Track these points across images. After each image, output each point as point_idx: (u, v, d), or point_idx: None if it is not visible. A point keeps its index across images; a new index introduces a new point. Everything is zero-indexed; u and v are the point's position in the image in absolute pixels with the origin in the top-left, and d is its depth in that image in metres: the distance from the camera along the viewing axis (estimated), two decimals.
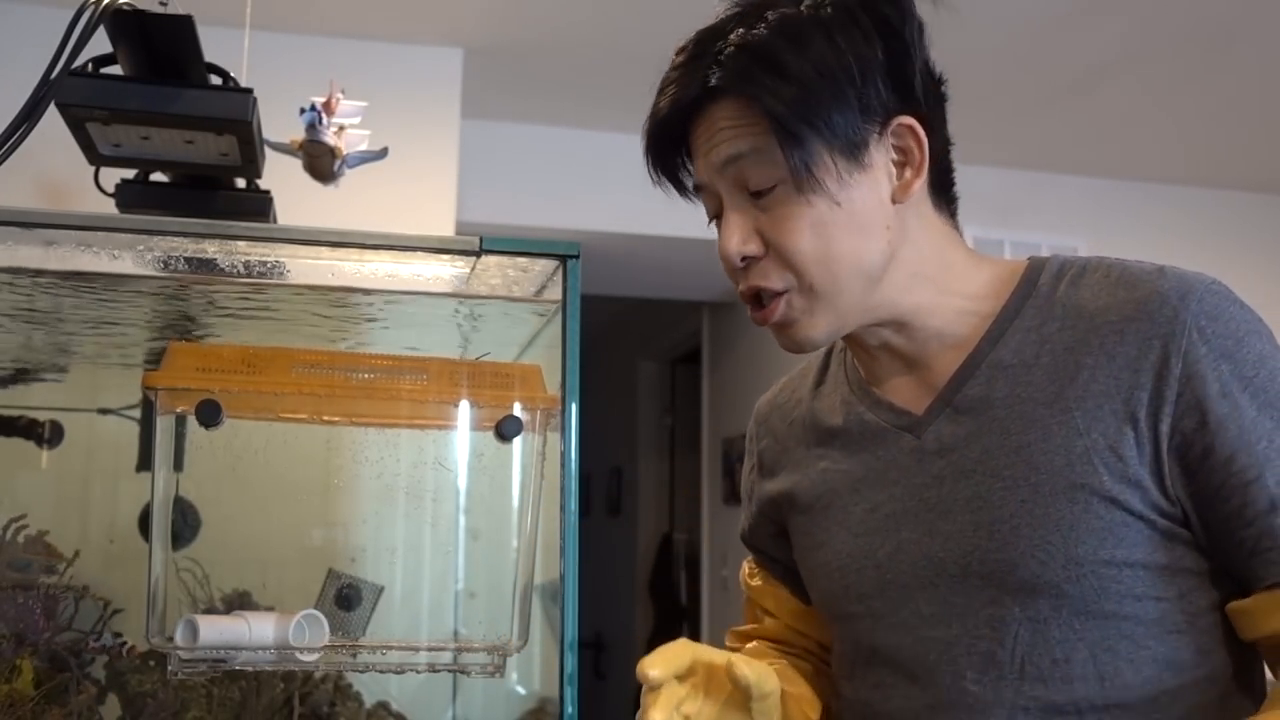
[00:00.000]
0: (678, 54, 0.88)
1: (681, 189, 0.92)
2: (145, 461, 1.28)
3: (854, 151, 0.82)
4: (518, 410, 1.05)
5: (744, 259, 0.85)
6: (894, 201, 0.84)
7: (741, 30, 0.82)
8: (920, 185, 0.85)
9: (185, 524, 1.21)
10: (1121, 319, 0.81)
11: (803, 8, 0.83)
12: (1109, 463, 0.78)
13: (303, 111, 1.11)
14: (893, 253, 0.85)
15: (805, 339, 0.87)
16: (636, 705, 0.81)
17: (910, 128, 0.84)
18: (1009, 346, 0.85)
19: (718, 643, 0.96)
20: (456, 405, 1.08)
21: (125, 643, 1.20)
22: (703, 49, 0.85)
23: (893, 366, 0.91)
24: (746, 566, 1.11)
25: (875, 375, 0.93)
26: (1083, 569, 0.77)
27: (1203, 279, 0.81)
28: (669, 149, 0.89)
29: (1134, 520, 0.78)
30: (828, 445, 0.95)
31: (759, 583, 1.08)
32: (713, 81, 0.83)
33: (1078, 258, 0.88)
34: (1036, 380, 0.82)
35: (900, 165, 0.85)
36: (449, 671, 1.29)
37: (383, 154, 1.18)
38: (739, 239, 0.84)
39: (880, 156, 0.84)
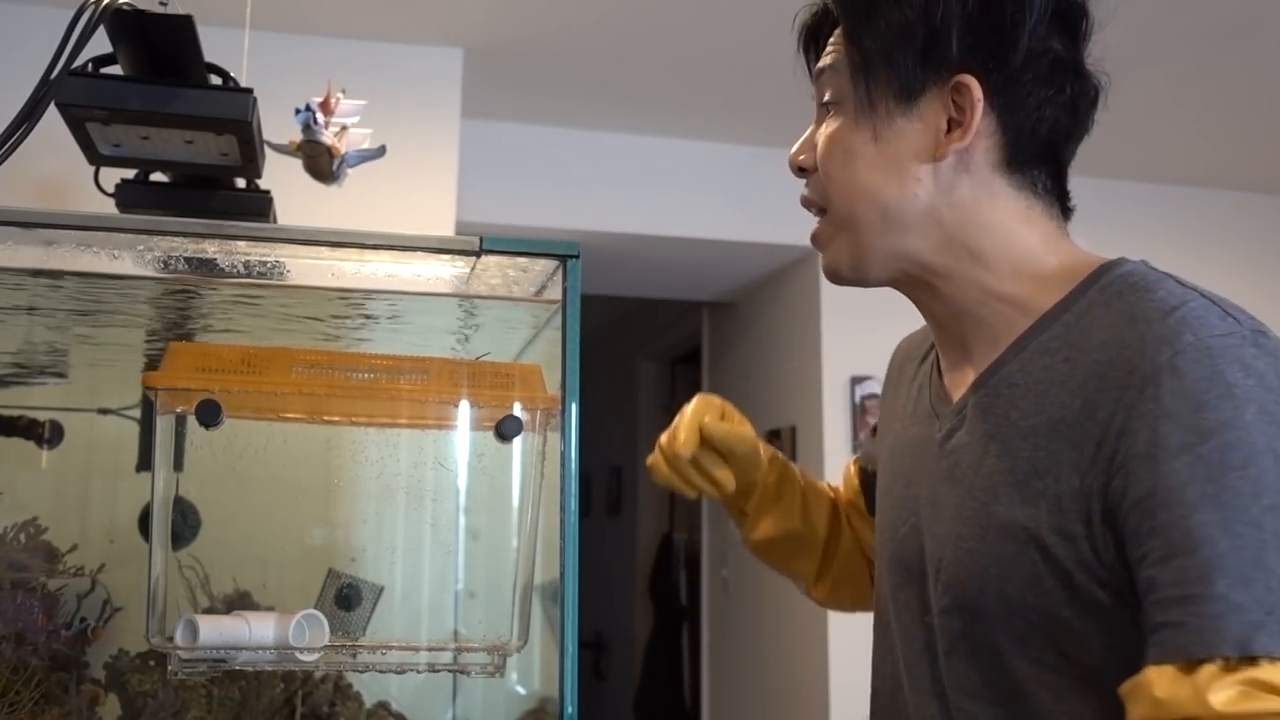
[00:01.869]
0: None
1: None
2: (145, 461, 1.27)
3: (906, 95, 0.82)
4: (518, 410, 1.05)
5: (799, 168, 0.90)
6: (935, 158, 0.82)
7: None
8: (977, 150, 0.83)
9: (185, 524, 1.21)
10: (1105, 361, 0.74)
11: None
12: (1053, 510, 0.74)
13: (298, 112, 1.11)
14: (923, 206, 0.83)
15: (829, 264, 0.89)
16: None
17: (968, 87, 0.81)
18: (1019, 364, 0.81)
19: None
20: (456, 405, 1.08)
21: (88, 624, 1.21)
22: None
23: (949, 352, 0.90)
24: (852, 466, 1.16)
25: (944, 357, 0.92)
26: (1011, 607, 0.76)
27: (1206, 328, 0.71)
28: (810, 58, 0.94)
29: (1061, 574, 0.73)
30: (909, 412, 0.96)
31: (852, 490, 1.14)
32: (830, 4, 0.89)
33: (1136, 272, 0.79)
34: (1024, 407, 0.79)
35: (954, 123, 0.82)
36: (449, 671, 1.29)
37: (381, 152, 1.18)
38: (801, 147, 0.90)
39: (936, 109, 0.82)
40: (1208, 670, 0.62)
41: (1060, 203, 0.86)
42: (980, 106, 0.81)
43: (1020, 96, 0.82)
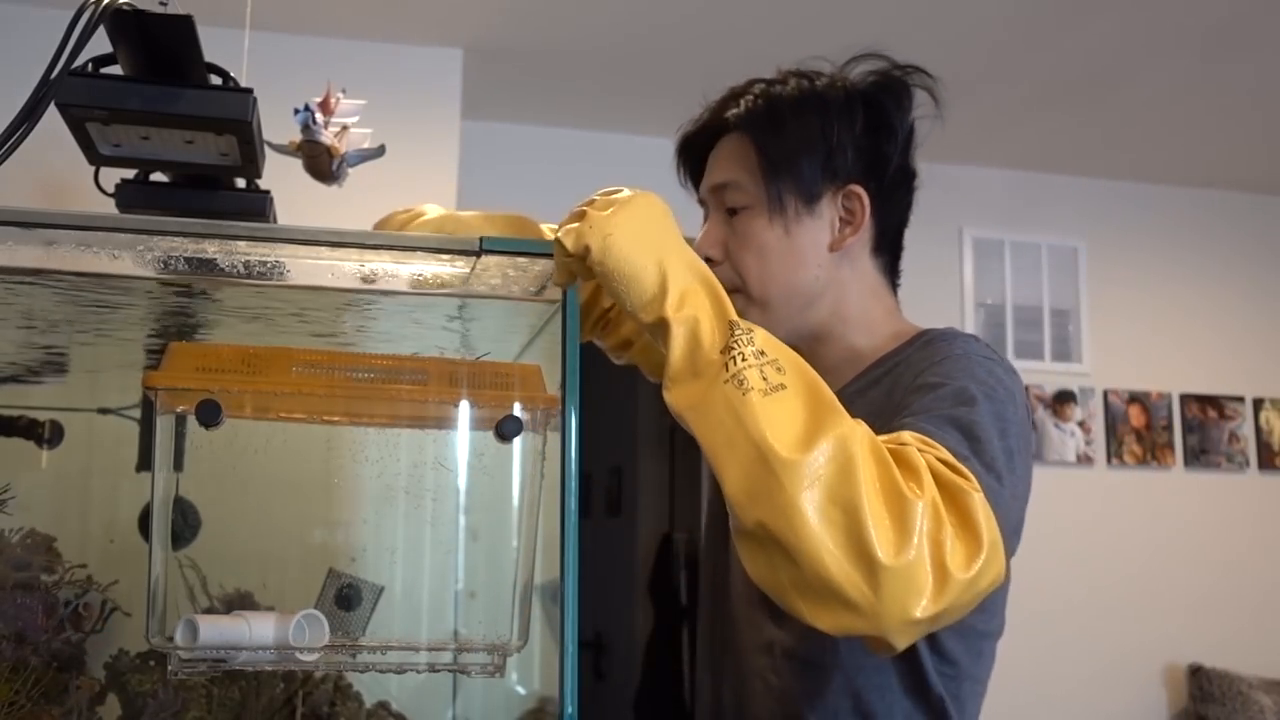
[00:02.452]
0: (729, 91, 1.11)
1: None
2: (145, 461, 1.27)
3: (810, 199, 1.04)
4: (518, 410, 1.05)
5: (708, 259, 1.07)
6: (831, 249, 1.06)
7: (767, 87, 1.07)
8: (857, 243, 1.07)
9: (185, 524, 1.21)
10: (908, 373, 0.99)
11: (819, 83, 1.06)
12: None
13: (297, 112, 1.11)
14: (821, 287, 1.06)
15: None
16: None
17: (859, 195, 1.05)
18: (856, 390, 1.04)
19: None
20: (456, 405, 1.08)
21: (75, 605, 1.21)
22: (739, 92, 1.09)
23: None
24: None
25: None
26: None
27: (972, 350, 0.98)
28: (693, 160, 1.15)
29: None
30: None
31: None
32: (730, 117, 1.07)
33: (948, 332, 1.05)
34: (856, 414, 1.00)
35: (844, 222, 1.06)
36: (449, 671, 1.29)
37: (380, 151, 1.18)
38: (708, 244, 1.09)
39: (831, 210, 1.06)
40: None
41: (893, 283, 1.13)
42: (869, 209, 1.05)
43: (891, 201, 1.08)
